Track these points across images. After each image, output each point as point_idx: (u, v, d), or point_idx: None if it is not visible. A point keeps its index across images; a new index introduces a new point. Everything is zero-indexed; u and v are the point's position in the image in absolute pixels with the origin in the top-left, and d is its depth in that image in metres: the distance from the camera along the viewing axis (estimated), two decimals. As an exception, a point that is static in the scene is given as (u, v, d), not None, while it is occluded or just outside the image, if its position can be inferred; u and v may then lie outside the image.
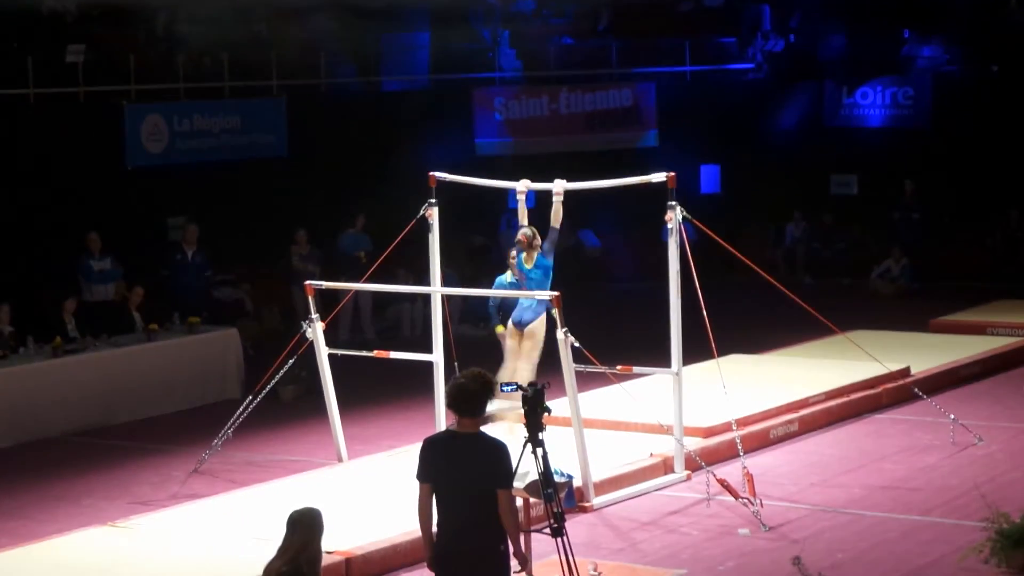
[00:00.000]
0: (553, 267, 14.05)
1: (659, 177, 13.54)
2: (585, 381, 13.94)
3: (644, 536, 12.46)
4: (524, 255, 13.97)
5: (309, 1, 23.14)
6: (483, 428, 8.52)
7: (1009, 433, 15.51)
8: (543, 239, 14.05)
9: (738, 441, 13.67)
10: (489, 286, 14.55)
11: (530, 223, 14.16)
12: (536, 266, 13.96)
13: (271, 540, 8.85)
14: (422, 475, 8.45)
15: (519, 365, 13.87)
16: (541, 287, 13.78)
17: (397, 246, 15.00)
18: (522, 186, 14.29)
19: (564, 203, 14.17)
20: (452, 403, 8.46)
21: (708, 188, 28.11)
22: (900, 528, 12.51)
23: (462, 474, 8.35)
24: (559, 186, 14.06)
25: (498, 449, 8.37)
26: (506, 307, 14.31)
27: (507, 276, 14.19)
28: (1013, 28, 27.51)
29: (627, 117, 27.41)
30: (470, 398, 8.41)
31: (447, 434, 8.60)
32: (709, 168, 28.21)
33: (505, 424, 13.17)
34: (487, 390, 8.47)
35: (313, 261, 21.49)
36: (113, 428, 16.85)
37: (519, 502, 9.81)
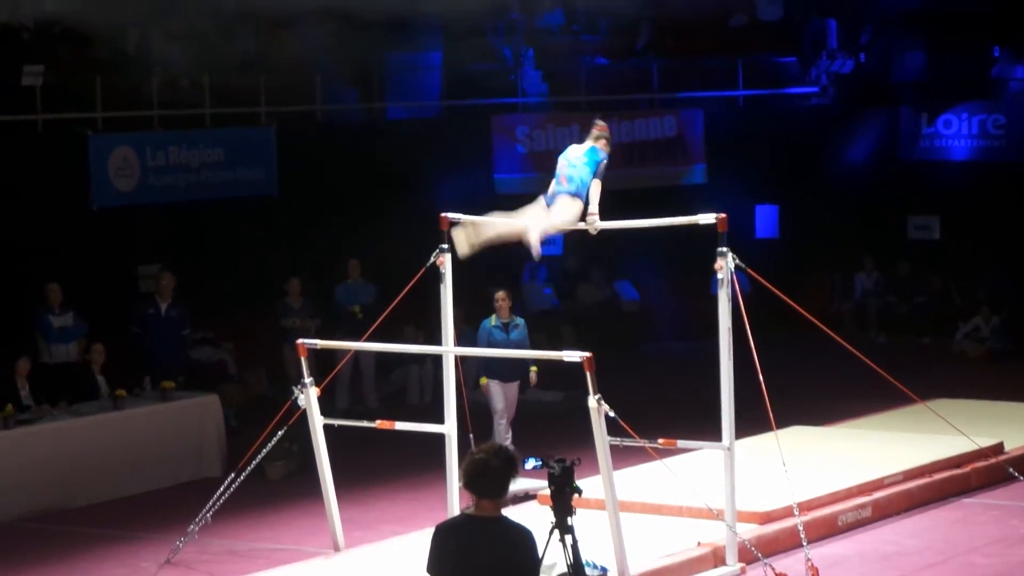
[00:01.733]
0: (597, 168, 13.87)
1: (708, 219, 13.56)
2: (622, 457, 13.94)
3: (691, 639, 12.42)
4: (573, 146, 13.85)
5: (302, 13, 23.26)
6: (504, 511, 8.51)
7: (1118, 520, 15.47)
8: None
9: (801, 528, 13.63)
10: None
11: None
12: (585, 154, 13.77)
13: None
14: (433, 568, 8.43)
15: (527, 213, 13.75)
16: (578, 174, 13.61)
17: (404, 299, 15.02)
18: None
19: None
20: (469, 482, 8.44)
21: (764, 232, 28.18)
22: (991, 633, 12.47)
23: (481, 566, 8.33)
24: (595, 224, 13.92)
25: (524, 537, 8.35)
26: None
27: (492, 320, 14.32)
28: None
29: (670, 149, 27.50)
30: (490, 476, 8.38)
31: (463, 519, 8.58)
32: (765, 208, 28.29)
33: None
34: (510, 467, 8.44)
35: (307, 315, 21.55)
36: (73, 511, 16.86)
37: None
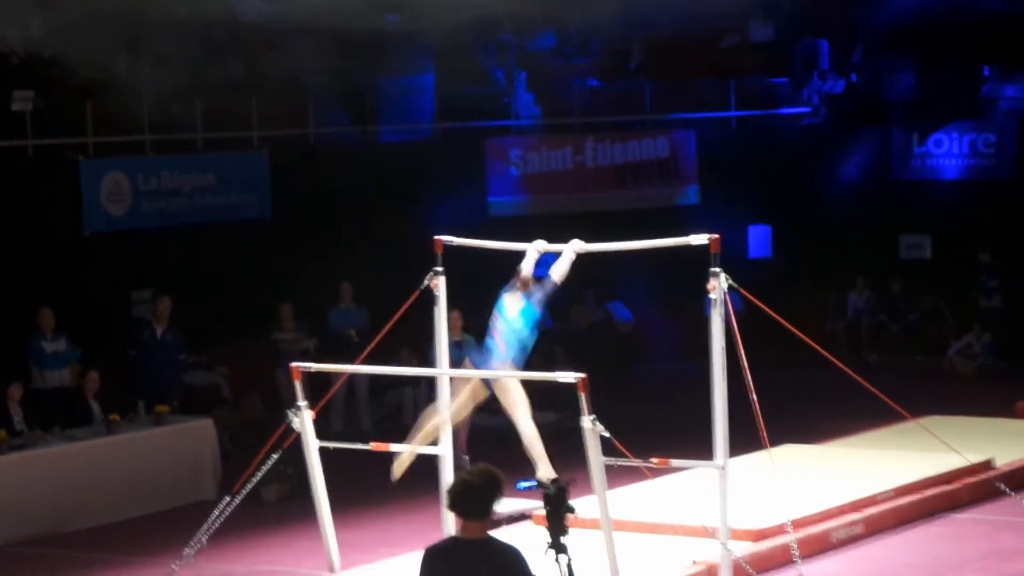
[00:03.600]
0: (538, 327, 14.23)
1: (700, 239, 13.64)
2: (616, 477, 14.00)
3: (685, 657, 12.49)
4: (508, 297, 14.13)
5: (292, 35, 23.34)
6: (499, 531, 8.56)
7: (1110, 535, 15.56)
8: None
9: (794, 546, 13.72)
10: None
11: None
12: (520, 313, 14.10)
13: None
14: (422, 590, 8.50)
15: (518, 421, 14.10)
16: (516, 337, 13.96)
17: (399, 322, 15.10)
18: (535, 252, 14.37)
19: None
20: (454, 504, 8.46)
21: (757, 252, 28.25)
22: (983, 647, 12.56)
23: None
24: (577, 248, 14.15)
25: (511, 556, 8.38)
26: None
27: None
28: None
29: (663, 170, 27.60)
30: (474, 498, 8.42)
31: (451, 541, 8.59)
32: (758, 229, 28.36)
33: None
34: (495, 488, 8.48)
35: (300, 339, 21.59)
36: (67, 536, 16.89)
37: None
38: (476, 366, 14.36)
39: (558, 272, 14.28)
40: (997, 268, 26.27)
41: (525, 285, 14.27)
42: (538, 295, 14.24)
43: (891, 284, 27.41)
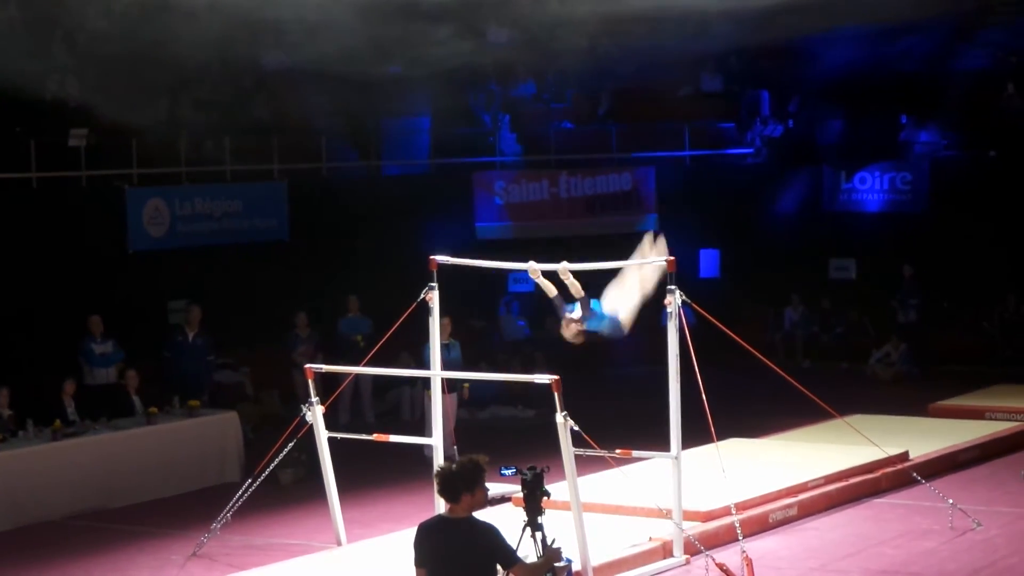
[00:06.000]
0: (609, 318, 13.96)
1: (659, 261, 13.65)
2: (584, 465, 13.97)
3: (643, 621, 12.44)
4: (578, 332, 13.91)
5: (310, 82, 23.33)
6: (482, 512, 8.57)
7: (1008, 518, 15.52)
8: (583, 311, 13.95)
9: (737, 525, 13.71)
10: (489, 370, 14.63)
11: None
12: (592, 325, 13.88)
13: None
14: (417, 560, 8.52)
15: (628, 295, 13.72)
16: (609, 326, 13.69)
17: (398, 329, 15.07)
18: (532, 270, 14.23)
19: (562, 286, 14.21)
20: (439, 489, 8.54)
21: (707, 272, 28.23)
22: (899, 613, 12.52)
23: (454, 560, 8.40)
24: (563, 267, 14.11)
25: (487, 531, 8.42)
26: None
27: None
28: (1010, 114, 27.73)
29: (627, 201, 27.59)
30: (458, 483, 8.48)
31: (438, 519, 8.65)
32: (708, 252, 28.34)
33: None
34: (476, 475, 8.50)
35: (313, 344, 21.55)
36: (112, 511, 16.86)
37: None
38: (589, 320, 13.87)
39: (576, 292, 13.97)
40: (916, 284, 26.27)
41: (579, 321, 13.89)
42: (588, 317, 13.89)
43: (821, 301, 27.39)
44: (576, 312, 13.69)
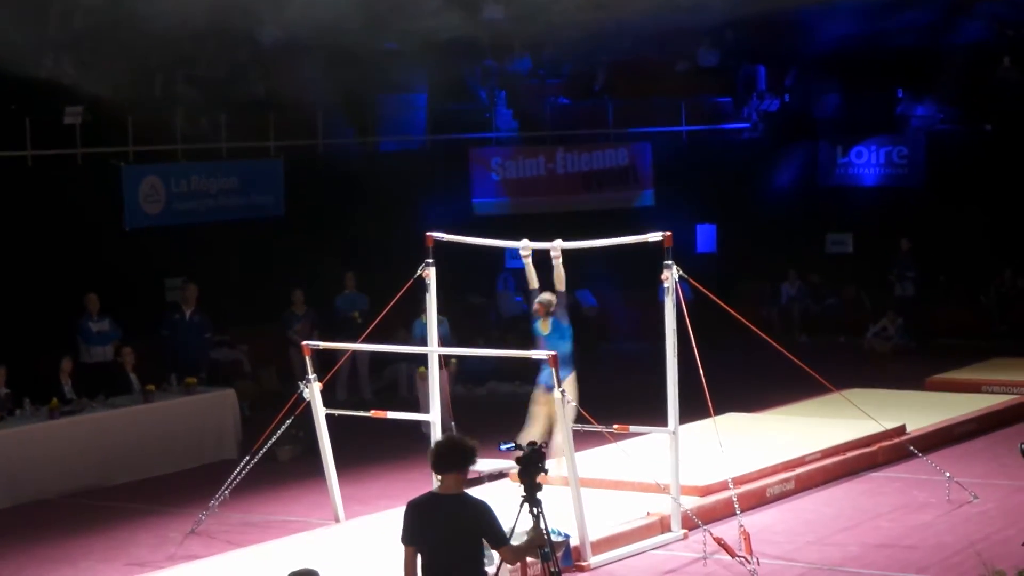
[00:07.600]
0: (569, 334, 14.23)
1: (655, 237, 13.64)
2: (582, 441, 13.99)
3: (641, 595, 12.47)
4: (540, 321, 14.18)
5: (305, 56, 23.24)
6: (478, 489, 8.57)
7: (1004, 491, 15.55)
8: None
9: (734, 500, 13.71)
10: (486, 345, 14.64)
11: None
12: (552, 330, 14.14)
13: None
14: (406, 538, 8.47)
15: (554, 435, 13.87)
16: (559, 351, 13.61)
17: (395, 306, 15.06)
18: (524, 248, 14.34)
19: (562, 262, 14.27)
20: (434, 464, 8.54)
21: (704, 247, 28.22)
22: (897, 586, 12.55)
23: (445, 536, 8.37)
24: (557, 245, 14.16)
25: (481, 509, 8.40)
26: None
27: (423, 318, 14.63)
28: (1006, 87, 27.72)
29: (623, 177, 27.56)
30: (449, 460, 8.47)
31: (429, 496, 8.63)
32: (705, 227, 28.33)
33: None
34: (463, 450, 8.50)
35: (310, 322, 21.54)
36: (110, 489, 16.87)
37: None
38: (542, 382, 14.31)
39: (559, 281, 14.22)
40: (913, 258, 26.26)
41: (546, 309, 14.19)
42: (559, 311, 14.18)
43: (818, 275, 27.40)
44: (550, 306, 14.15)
